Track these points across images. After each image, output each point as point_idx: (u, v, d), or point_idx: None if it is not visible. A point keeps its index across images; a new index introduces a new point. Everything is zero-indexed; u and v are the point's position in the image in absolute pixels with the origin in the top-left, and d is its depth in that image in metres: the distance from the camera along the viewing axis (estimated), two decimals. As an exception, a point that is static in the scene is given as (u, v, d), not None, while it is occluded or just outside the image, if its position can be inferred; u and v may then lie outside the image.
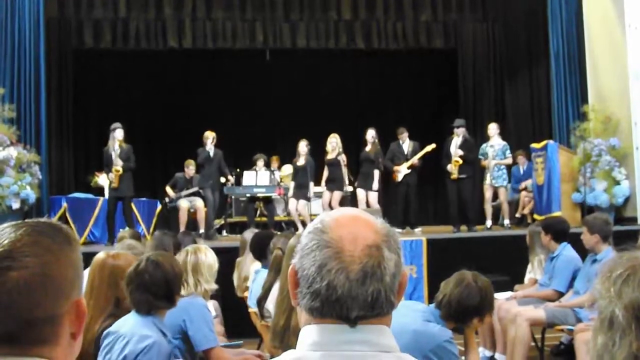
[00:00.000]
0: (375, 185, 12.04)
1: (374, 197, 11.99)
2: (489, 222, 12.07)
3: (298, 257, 1.46)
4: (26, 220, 1.40)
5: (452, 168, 11.56)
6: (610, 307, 1.33)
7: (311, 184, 12.05)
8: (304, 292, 1.44)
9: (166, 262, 3.57)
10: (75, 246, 1.41)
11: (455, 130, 11.78)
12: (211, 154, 11.92)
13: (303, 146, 12.10)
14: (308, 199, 12.10)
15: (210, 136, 11.97)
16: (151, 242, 5.73)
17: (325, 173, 12.08)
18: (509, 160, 12.15)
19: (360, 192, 12.06)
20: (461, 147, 11.63)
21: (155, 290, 3.47)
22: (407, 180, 12.20)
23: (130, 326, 3.38)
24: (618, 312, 1.32)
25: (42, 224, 1.39)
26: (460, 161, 11.52)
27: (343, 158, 11.95)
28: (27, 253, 1.31)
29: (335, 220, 1.46)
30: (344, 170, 11.99)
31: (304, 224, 11.78)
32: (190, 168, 12.81)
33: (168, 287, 3.52)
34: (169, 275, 3.53)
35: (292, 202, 12.25)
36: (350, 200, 13.09)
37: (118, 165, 11.02)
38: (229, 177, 12.71)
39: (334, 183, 11.94)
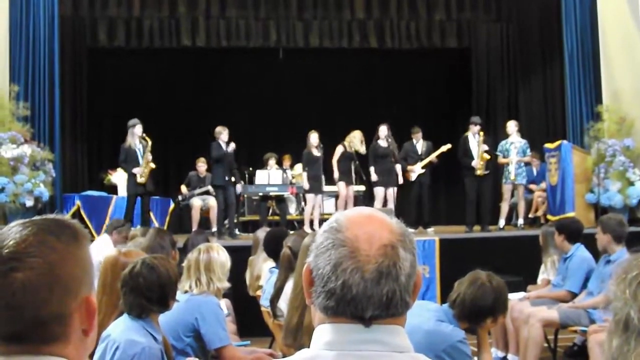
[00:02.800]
0: (401, 179, 12.02)
1: (393, 193, 11.94)
2: (502, 222, 12.01)
3: (313, 255, 1.46)
4: (33, 219, 1.40)
5: (480, 164, 11.55)
6: (626, 309, 1.33)
7: (322, 176, 12.01)
8: (318, 291, 1.44)
9: (161, 266, 3.53)
10: (82, 243, 1.41)
11: (474, 126, 11.77)
12: (228, 150, 11.83)
13: (315, 137, 12.04)
14: (322, 192, 12.06)
15: (224, 131, 11.85)
16: (146, 241, 5.70)
17: (339, 167, 11.93)
18: (529, 158, 12.16)
19: (380, 190, 11.96)
20: (485, 142, 11.66)
21: (149, 294, 3.44)
22: (421, 179, 12.18)
23: (121, 331, 3.37)
24: (633, 315, 1.31)
25: (48, 222, 1.39)
26: (488, 157, 11.53)
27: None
28: (32, 253, 1.31)
29: (351, 220, 1.46)
30: (354, 167, 11.98)
31: (312, 224, 11.78)
32: (200, 165, 12.82)
33: (162, 292, 3.49)
34: (163, 279, 3.49)
35: (311, 198, 12.07)
36: (367, 198, 13.09)
37: (150, 160, 11.00)
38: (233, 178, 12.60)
39: (349, 177, 11.88)
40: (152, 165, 11.02)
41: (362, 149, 12.02)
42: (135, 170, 10.92)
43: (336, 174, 11.87)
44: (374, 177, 11.89)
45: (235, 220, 13.62)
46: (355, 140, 11.96)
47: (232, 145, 11.84)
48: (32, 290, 1.29)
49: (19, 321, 1.29)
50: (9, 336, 1.30)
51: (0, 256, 1.31)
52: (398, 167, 12.03)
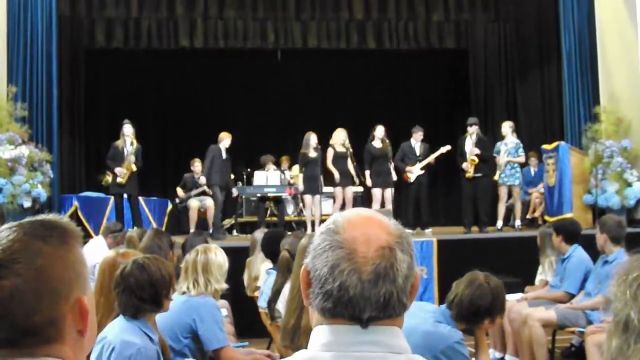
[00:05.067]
0: (394, 177, 11.99)
1: (390, 194, 11.90)
2: (499, 223, 12.00)
3: (310, 257, 1.46)
4: (22, 222, 1.38)
5: (468, 167, 11.53)
6: (626, 310, 1.32)
7: (321, 177, 11.99)
8: (316, 292, 1.44)
9: (153, 265, 3.53)
10: (72, 244, 1.38)
11: (469, 128, 11.75)
12: (224, 157, 11.86)
13: (315, 139, 11.99)
14: (321, 193, 12.06)
15: (228, 138, 11.88)
16: (144, 241, 5.68)
17: (331, 168, 11.80)
18: (522, 159, 12.06)
19: (377, 191, 11.90)
20: (477, 145, 11.61)
21: (141, 293, 3.44)
22: (420, 180, 12.14)
23: (116, 332, 3.37)
24: (634, 316, 1.31)
25: (36, 225, 1.36)
26: (477, 160, 11.49)
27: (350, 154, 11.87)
28: (18, 260, 1.29)
29: (348, 221, 1.46)
30: (352, 167, 11.91)
31: (313, 225, 11.74)
32: (196, 166, 12.82)
33: (154, 291, 3.48)
34: (155, 278, 3.49)
35: (308, 199, 11.93)
36: (364, 199, 13.05)
37: (132, 162, 11.05)
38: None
39: (347, 179, 11.84)
40: (133, 168, 11.07)
41: (347, 143, 11.91)
42: (117, 170, 11.04)
43: (337, 176, 11.76)
44: (369, 180, 11.84)
45: (233, 222, 13.64)
46: (338, 138, 11.85)
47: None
48: (19, 297, 1.28)
49: (9, 328, 1.28)
50: (2, 341, 1.29)
51: None
52: (391, 167, 11.99)
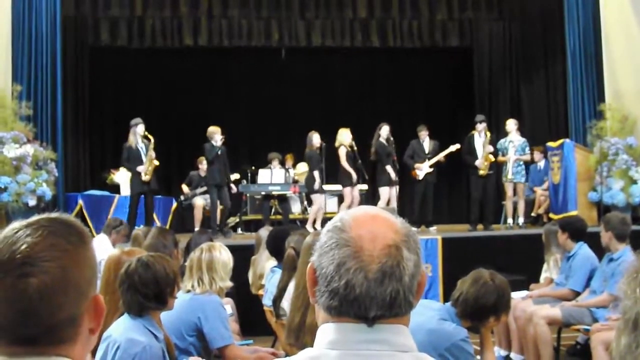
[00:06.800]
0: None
1: (395, 192, 11.88)
2: (510, 220, 12.00)
3: (317, 255, 1.46)
4: (39, 219, 1.38)
5: (484, 164, 11.54)
6: (636, 308, 1.32)
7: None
8: (322, 290, 1.43)
9: (157, 263, 3.54)
10: (89, 244, 1.41)
11: (478, 125, 11.76)
12: (219, 151, 11.76)
13: (318, 137, 11.90)
14: (325, 192, 12.09)
15: (218, 132, 11.76)
16: (149, 239, 5.67)
17: (346, 169, 11.72)
18: (528, 157, 12.13)
19: (384, 189, 11.86)
20: (490, 143, 11.67)
21: (146, 291, 3.45)
22: (427, 178, 12.12)
23: (122, 330, 3.38)
24: (643, 314, 1.30)
25: (56, 223, 1.37)
26: (493, 158, 11.53)
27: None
28: (45, 257, 1.30)
29: (355, 219, 1.46)
30: (358, 165, 11.89)
31: (314, 223, 11.74)
32: (204, 164, 12.82)
33: (158, 288, 3.49)
34: (159, 276, 3.50)
35: (319, 197, 11.90)
36: (368, 197, 13.01)
37: (153, 157, 11.06)
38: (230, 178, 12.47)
39: (353, 179, 11.81)
40: (156, 163, 11.09)
41: (352, 142, 11.88)
42: (140, 168, 10.98)
43: (354, 176, 11.66)
44: (393, 175, 11.78)
45: (238, 220, 13.63)
46: (345, 138, 11.80)
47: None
48: (48, 295, 1.28)
49: (34, 326, 1.29)
50: (22, 339, 1.29)
51: (13, 261, 1.29)
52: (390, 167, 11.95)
